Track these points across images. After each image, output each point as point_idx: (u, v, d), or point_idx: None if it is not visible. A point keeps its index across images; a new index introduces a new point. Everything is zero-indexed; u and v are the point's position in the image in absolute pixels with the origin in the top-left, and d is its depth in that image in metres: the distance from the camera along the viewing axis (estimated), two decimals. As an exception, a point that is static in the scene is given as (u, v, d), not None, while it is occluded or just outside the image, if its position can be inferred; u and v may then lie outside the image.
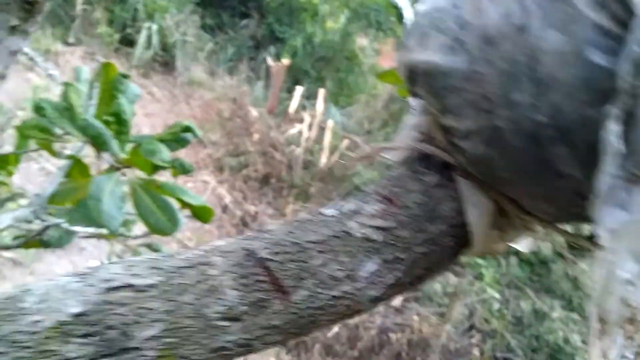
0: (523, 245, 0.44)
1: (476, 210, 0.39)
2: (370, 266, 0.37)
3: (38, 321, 0.34)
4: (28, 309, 0.34)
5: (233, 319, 0.36)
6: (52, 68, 4.36)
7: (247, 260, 0.36)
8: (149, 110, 4.74)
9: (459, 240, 0.40)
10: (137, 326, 0.34)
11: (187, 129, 1.21)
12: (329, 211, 0.39)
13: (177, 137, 1.21)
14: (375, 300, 0.39)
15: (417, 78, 0.38)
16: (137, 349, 0.34)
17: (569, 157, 0.32)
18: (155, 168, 1.11)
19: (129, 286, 0.35)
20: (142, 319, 0.34)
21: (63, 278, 0.36)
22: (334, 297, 0.37)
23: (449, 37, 0.35)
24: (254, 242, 0.37)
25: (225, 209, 4.27)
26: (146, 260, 0.37)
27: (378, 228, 0.38)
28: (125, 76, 1.25)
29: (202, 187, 4.36)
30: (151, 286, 0.35)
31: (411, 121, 0.45)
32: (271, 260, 0.36)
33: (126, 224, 1.34)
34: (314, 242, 0.37)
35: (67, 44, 4.97)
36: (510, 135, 0.33)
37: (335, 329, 3.52)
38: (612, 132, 0.29)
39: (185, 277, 0.36)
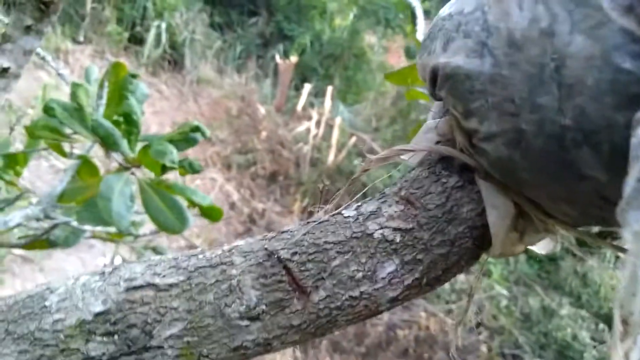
0: (542, 247, 0.44)
1: (496, 212, 0.39)
2: (389, 267, 0.37)
3: (60, 320, 0.34)
4: (50, 307, 0.35)
5: (253, 318, 0.36)
6: (62, 67, 4.38)
7: (267, 260, 0.37)
8: (157, 108, 4.75)
9: (478, 242, 0.40)
10: (159, 325, 0.35)
11: (196, 129, 1.21)
12: (348, 212, 0.39)
13: (186, 137, 1.22)
14: (394, 301, 0.39)
15: (440, 81, 0.38)
16: (158, 347, 0.35)
17: (593, 160, 0.32)
18: (164, 169, 1.12)
19: (151, 285, 0.35)
20: (163, 318, 0.35)
21: (84, 277, 0.36)
22: (352, 297, 0.37)
23: (474, 41, 0.35)
24: (273, 242, 0.37)
25: (232, 206, 4.29)
26: (167, 259, 0.37)
27: (397, 229, 0.38)
28: (134, 76, 1.26)
29: (210, 184, 4.38)
30: (172, 285, 0.36)
31: (430, 124, 0.45)
32: (291, 260, 0.37)
33: (134, 224, 1.35)
34: (333, 243, 0.37)
35: (76, 42, 4.99)
36: (533, 138, 0.33)
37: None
38: None
39: (206, 277, 0.36)
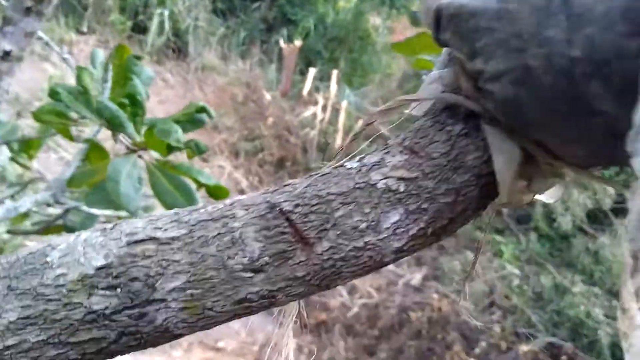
0: (550, 195, 0.43)
1: (503, 157, 0.38)
2: (394, 217, 0.36)
3: (62, 274, 0.34)
4: (52, 262, 0.34)
5: (256, 270, 0.35)
6: (66, 52, 4.39)
7: (269, 212, 0.36)
8: (162, 97, 4.76)
9: (485, 190, 0.39)
10: (161, 278, 0.34)
11: (202, 110, 1.21)
12: (350, 164, 0.38)
13: (191, 118, 1.22)
14: (399, 252, 0.38)
15: (444, 22, 0.37)
16: (161, 300, 0.34)
17: (604, 93, 0.31)
18: (170, 149, 1.12)
19: (152, 239, 0.35)
20: (165, 271, 0.34)
21: (85, 232, 0.36)
22: (356, 248, 0.37)
23: None
24: (276, 195, 0.37)
25: (241, 193, 4.29)
26: (168, 214, 0.37)
27: (401, 179, 0.37)
28: (138, 57, 1.25)
29: (219, 172, 4.39)
30: (174, 239, 0.35)
31: (434, 74, 0.44)
32: (293, 212, 0.36)
33: (145, 208, 1.36)
34: (336, 194, 0.36)
35: (80, 32, 5.00)
36: (542, 73, 0.32)
37: (355, 308, 3.54)
38: None
39: (208, 230, 0.36)
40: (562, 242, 3.92)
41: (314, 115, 4.94)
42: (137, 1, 5.21)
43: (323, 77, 5.52)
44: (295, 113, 5.08)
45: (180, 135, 1.11)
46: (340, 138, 4.77)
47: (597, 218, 3.86)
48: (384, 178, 0.37)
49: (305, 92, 5.24)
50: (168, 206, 1.11)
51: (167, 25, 5.20)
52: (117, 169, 1.07)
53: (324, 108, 4.99)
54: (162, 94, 4.81)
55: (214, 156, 4.46)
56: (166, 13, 5.21)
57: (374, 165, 0.38)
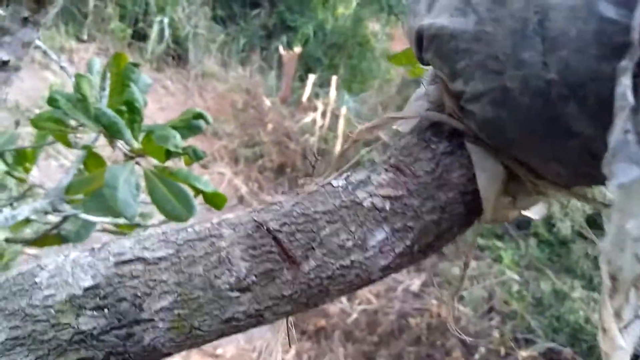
0: (535, 212, 0.43)
1: (486, 175, 0.38)
2: (380, 235, 0.37)
3: (50, 295, 0.34)
4: (40, 283, 0.35)
5: (243, 289, 0.36)
6: (64, 61, 4.40)
7: (256, 231, 0.36)
8: (163, 104, 4.77)
9: (470, 207, 0.40)
10: (148, 298, 0.35)
11: (199, 116, 1.21)
12: (337, 182, 0.39)
13: (189, 125, 1.22)
14: (385, 269, 0.39)
15: (426, 43, 0.38)
16: (148, 320, 0.35)
17: (580, 114, 0.31)
18: (168, 156, 1.12)
19: (140, 259, 0.35)
20: (153, 291, 0.35)
21: (74, 253, 0.36)
22: (343, 266, 0.37)
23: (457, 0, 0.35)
24: (262, 214, 0.37)
25: (241, 199, 4.30)
26: (156, 234, 0.37)
27: (386, 197, 0.37)
28: (136, 65, 1.26)
29: (219, 178, 4.39)
30: (161, 259, 0.36)
31: (421, 91, 0.45)
32: (280, 231, 0.36)
33: (142, 215, 1.36)
34: (322, 213, 0.37)
35: (80, 40, 5.01)
36: (519, 95, 0.33)
37: (355, 314, 3.54)
38: (625, 86, 0.28)
39: (195, 249, 0.36)
40: (561, 247, 3.91)
41: (314, 121, 4.95)
42: (137, 9, 5.23)
43: (323, 84, 5.53)
44: (295, 119, 5.08)
45: (178, 141, 1.11)
46: (340, 144, 4.78)
47: (596, 223, 3.85)
48: (370, 196, 0.37)
49: (304, 98, 5.25)
50: (167, 213, 1.12)
51: (167, 32, 5.22)
52: (114, 175, 1.07)
53: (324, 114, 5.00)
54: (163, 101, 4.82)
55: (214, 163, 4.47)
56: (166, 20, 5.23)
57: (360, 183, 0.38)
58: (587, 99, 0.30)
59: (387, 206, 0.37)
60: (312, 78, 5.31)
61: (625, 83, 0.28)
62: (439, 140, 0.40)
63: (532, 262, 3.88)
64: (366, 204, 0.37)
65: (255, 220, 0.37)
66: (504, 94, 0.33)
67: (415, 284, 3.68)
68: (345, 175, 0.40)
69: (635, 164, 0.28)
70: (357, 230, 0.37)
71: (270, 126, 4.87)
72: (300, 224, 0.37)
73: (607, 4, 0.29)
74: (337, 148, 4.75)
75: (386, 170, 0.40)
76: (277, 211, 0.37)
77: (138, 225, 1.33)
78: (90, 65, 1.24)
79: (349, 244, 0.37)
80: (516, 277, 3.68)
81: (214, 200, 1.13)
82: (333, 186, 0.38)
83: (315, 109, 5.03)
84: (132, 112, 1.15)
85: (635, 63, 0.28)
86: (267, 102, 5.08)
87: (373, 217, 0.37)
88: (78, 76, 1.16)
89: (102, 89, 1.20)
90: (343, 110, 4.94)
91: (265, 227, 0.36)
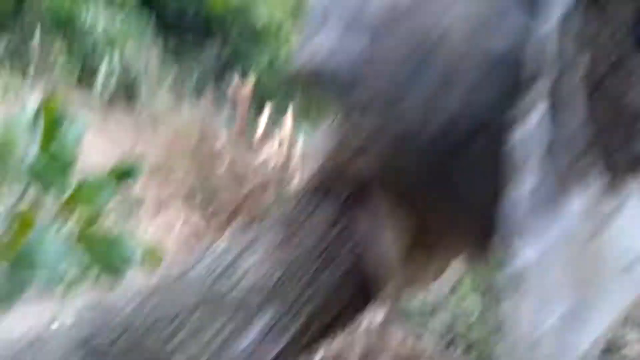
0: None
1: (391, 232, 0.33)
2: (250, 334, 0.31)
3: None
4: None
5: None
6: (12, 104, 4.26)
7: (80, 349, 0.29)
8: (113, 144, 4.64)
9: (364, 288, 0.34)
10: None
11: (130, 167, 1.15)
12: (203, 262, 0.33)
13: (121, 174, 1.16)
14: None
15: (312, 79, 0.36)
16: None
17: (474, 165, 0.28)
18: (100, 208, 1.06)
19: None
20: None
21: None
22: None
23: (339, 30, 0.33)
24: (92, 325, 0.30)
25: (198, 238, 4.18)
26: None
27: (257, 287, 0.31)
28: (67, 111, 1.19)
29: (172, 221, 4.25)
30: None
31: (322, 131, 0.42)
32: (108, 353, 0.29)
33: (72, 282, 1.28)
34: (171, 318, 0.30)
35: (26, 78, 4.87)
36: (410, 139, 0.30)
37: (321, 353, 3.44)
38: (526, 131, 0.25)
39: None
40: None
41: (271, 154, 4.89)
42: (86, 45, 5.13)
43: (280, 112, 5.50)
44: (252, 151, 5.02)
45: (109, 192, 1.05)
46: (299, 177, 4.73)
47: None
48: (236, 287, 0.32)
49: (260, 130, 5.20)
50: (105, 268, 1.05)
51: (117, 68, 5.13)
52: (40, 236, 1.01)
53: (280, 145, 4.95)
54: (113, 139, 4.70)
55: (167, 205, 4.34)
56: (116, 57, 5.14)
57: (228, 268, 0.33)
58: (480, 153, 0.28)
59: (259, 298, 0.31)
60: (267, 110, 5.27)
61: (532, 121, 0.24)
62: (328, 207, 0.35)
63: (493, 285, 3.88)
64: (232, 297, 0.31)
65: (78, 338, 0.29)
66: (398, 136, 0.30)
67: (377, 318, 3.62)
68: (222, 245, 0.35)
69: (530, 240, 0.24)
70: (218, 334, 0.30)
71: (226, 162, 4.78)
72: (138, 337, 0.29)
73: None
74: (296, 181, 4.70)
75: (270, 241, 0.34)
76: (112, 319, 0.30)
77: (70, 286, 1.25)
78: (20, 113, 1.17)
79: (212, 347, 0.30)
80: (476, 303, 3.67)
81: (149, 258, 1.07)
82: (195, 272, 0.32)
83: (271, 141, 4.97)
84: (62, 162, 1.09)
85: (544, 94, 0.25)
86: (222, 137, 5.00)
87: (243, 312, 0.31)
88: (5, 125, 1.09)
89: (33, 137, 1.13)
90: (300, 141, 4.90)
91: (89, 346, 0.29)
